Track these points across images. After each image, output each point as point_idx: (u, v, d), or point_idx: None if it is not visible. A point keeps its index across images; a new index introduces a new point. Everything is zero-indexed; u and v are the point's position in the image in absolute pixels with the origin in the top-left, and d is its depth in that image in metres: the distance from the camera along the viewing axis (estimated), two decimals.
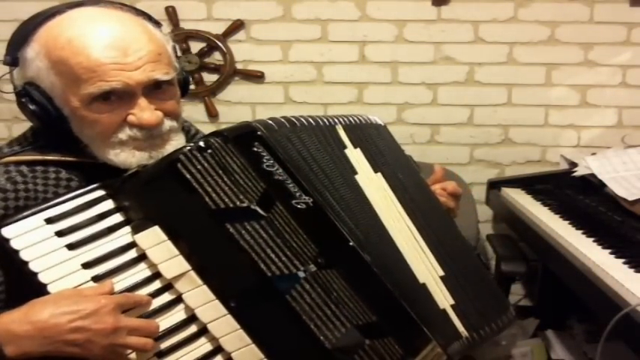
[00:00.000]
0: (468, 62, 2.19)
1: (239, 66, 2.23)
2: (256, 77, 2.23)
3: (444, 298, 1.01)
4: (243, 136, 0.93)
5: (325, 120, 1.06)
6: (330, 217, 0.93)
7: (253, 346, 0.90)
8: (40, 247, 0.87)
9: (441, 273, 1.03)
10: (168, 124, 0.96)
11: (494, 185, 2.10)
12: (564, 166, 2.14)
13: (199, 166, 0.89)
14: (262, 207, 0.90)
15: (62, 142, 0.96)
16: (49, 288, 0.85)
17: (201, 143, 0.90)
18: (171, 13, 2.16)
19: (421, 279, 1.00)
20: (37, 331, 0.80)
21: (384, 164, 1.09)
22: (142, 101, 0.92)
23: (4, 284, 0.90)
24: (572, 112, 2.22)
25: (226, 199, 0.90)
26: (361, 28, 2.18)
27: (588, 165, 1.90)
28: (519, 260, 1.84)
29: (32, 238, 0.87)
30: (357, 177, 1.03)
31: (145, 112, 0.92)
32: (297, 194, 0.92)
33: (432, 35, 2.17)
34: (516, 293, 2.27)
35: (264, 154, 0.92)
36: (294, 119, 1.01)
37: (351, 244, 0.92)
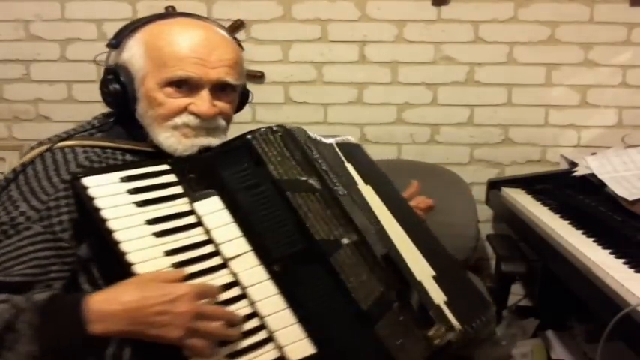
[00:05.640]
0: (468, 62, 2.20)
1: None
2: (256, 77, 2.23)
3: (437, 295, 1.07)
4: (299, 132, 1.11)
5: (322, 137, 1.18)
6: (357, 208, 1.07)
7: (288, 310, 0.97)
8: (113, 200, 0.98)
9: (433, 273, 1.10)
10: (220, 121, 1.11)
11: (494, 185, 2.10)
12: (564, 166, 2.14)
13: (270, 144, 1.06)
14: (316, 183, 1.05)
15: (126, 129, 1.13)
16: (115, 235, 0.94)
17: (274, 127, 1.08)
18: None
19: (417, 276, 1.07)
20: (125, 312, 0.86)
21: (370, 178, 1.20)
22: (205, 94, 1.07)
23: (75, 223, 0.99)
24: (572, 112, 2.22)
25: (289, 173, 1.05)
26: (361, 28, 2.18)
27: (588, 165, 1.90)
28: (519, 260, 1.84)
29: (107, 191, 0.99)
30: (358, 187, 1.15)
31: (205, 103, 1.07)
32: (337, 183, 1.07)
33: (432, 35, 2.18)
34: (516, 293, 2.27)
35: (313, 149, 1.09)
36: (309, 133, 1.14)
37: (374, 231, 1.05)
